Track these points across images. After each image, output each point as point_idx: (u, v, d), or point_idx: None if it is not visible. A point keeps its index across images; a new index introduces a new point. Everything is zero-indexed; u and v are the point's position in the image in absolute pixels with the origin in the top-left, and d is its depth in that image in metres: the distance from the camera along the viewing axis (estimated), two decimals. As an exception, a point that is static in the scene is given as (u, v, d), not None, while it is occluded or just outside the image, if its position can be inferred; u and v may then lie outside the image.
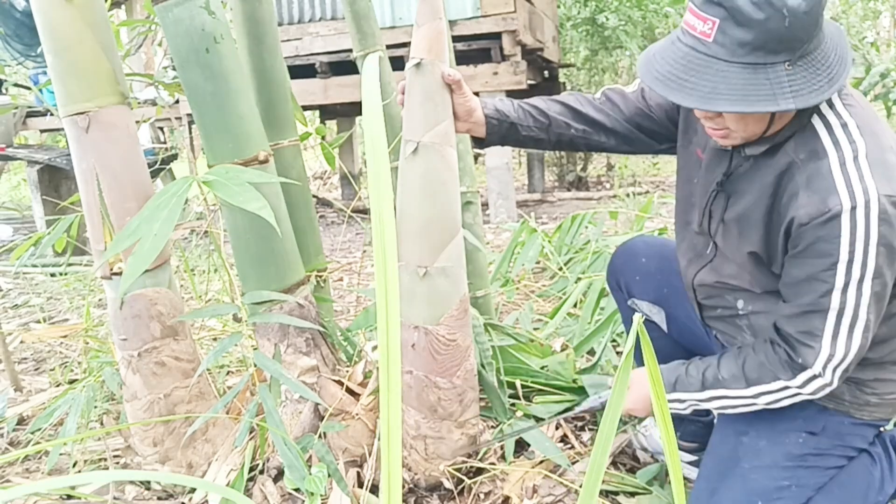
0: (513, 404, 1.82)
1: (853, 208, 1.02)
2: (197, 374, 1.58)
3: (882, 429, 1.30)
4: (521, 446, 1.69)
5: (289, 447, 1.44)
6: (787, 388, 1.15)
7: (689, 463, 1.59)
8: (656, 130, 1.41)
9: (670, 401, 1.28)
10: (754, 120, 1.08)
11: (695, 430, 1.58)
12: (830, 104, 1.10)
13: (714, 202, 1.26)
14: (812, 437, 1.21)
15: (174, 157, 5.50)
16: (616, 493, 1.52)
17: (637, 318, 0.56)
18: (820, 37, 1.01)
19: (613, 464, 1.65)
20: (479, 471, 1.55)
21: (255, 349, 1.63)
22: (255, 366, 1.53)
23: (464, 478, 1.51)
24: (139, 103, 5.24)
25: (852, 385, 1.19)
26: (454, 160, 1.41)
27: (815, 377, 1.12)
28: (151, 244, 1.18)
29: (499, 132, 1.42)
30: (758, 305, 1.25)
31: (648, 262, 1.52)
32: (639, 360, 1.63)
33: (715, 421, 1.39)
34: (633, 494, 1.51)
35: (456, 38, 5.19)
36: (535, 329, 2.34)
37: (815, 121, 1.09)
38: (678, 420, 1.61)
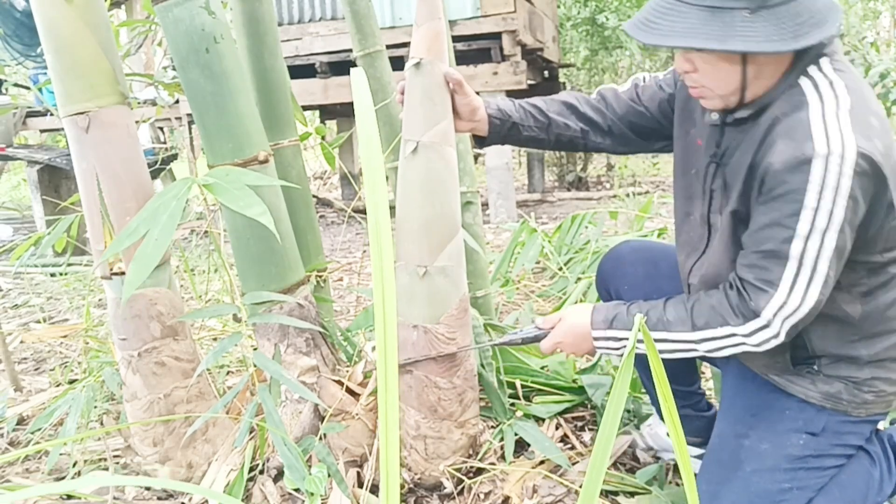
0: (513, 404, 1.82)
1: (827, 155, 1.02)
2: (196, 374, 1.58)
3: (878, 427, 1.30)
4: (521, 446, 1.69)
5: (289, 447, 1.44)
6: (733, 335, 1.13)
7: (694, 457, 1.59)
8: (649, 127, 1.42)
9: (605, 338, 1.26)
10: (724, 73, 1.11)
11: (699, 425, 1.58)
12: (820, 67, 1.10)
13: (713, 180, 1.24)
14: (812, 437, 1.21)
15: (174, 157, 5.50)
16: (616, 493, 1.52)
17: (638, 319, 0.56)
18: None
19: (614, 464, 1.65)
20: (479, 471, 1.55)
21: (255, 349, 1.63)
22: (255, 366, 1.53)
23: (464, 478, 1.51)
24: (139, 103, 5.24)
25: (850, 385, 1.19)
26: (454, 160, 1.41)
27: (764, 327, 1.10)
28: (154, 248, 1.18)
29: (501, 132, 1.43)
30: None
31: (635, 269, 1.51)
32: (638, 363, 1.63)
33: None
34: (632, 494, 1.51)
35: (456, 38, 5.20)
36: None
37: (802, 80, 1.10)
38: (682, 417, 1.61)
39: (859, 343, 1.18)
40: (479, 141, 1.48)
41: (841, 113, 1.04)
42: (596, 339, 1.27)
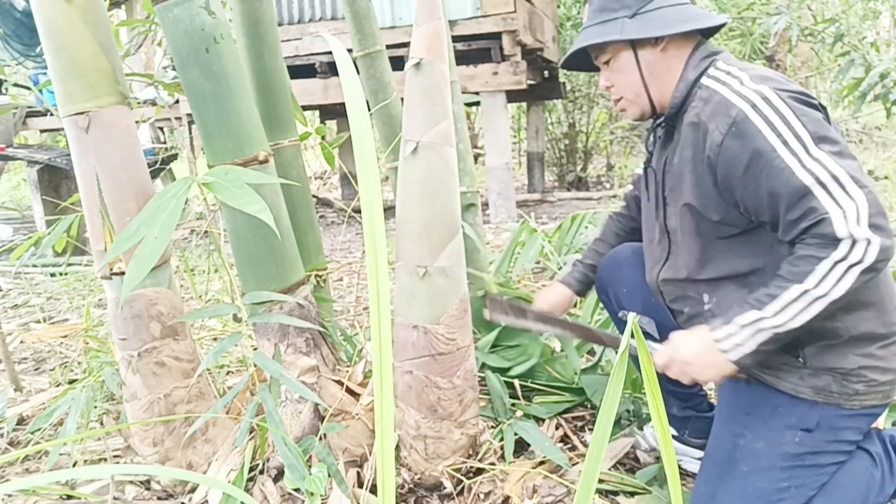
0: (513, 404, 1.82)
1: (753, 106, 1.12)
2: (197, 374, 1.58)
3: (879, 427, 1.29)
4: (521, 446, 1.69)
5: (289, 447, 1.44)
6: (836, 262, 1.08)
7: (698, 459, 1.59)
8: None
9: (727, 335, 1.16)
10: (625, 74, 1.31)
11: (702, 426, 1.58)
12: (717, 67, 1.24)
13: (663, 188, 1.34)
14: (807, 434, 1.20)
15: (174, 157, 5.50)
16: (616, 493, 1.52)
17: (632, 318, 0.56)
18: (657, 3, 1.27)
19: (615, 464, 1.64)
20: (479, 471, 1.55)
21: (255, 349, 1.63)
22: (255, 366, 1.53)
23: (463, 478, 1.51)
24: (139, 103, 5.24)
25: (837, 376, 1.18)
26: (454, 160, 1.41)
27: (854, 242, 1.07)
28: (153, 248, 1.17)
29: (587, 287, 1.68)
30: (721, 295, 1.27)
31: (634, 272, 1.52)
32: (636, 363, 1.63)
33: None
34: (632, 494, 1.51)
35: (456, 38, 5.19)
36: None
37: (705, 80, 1.23)
38: (684, 419, 1.61)
39: (837, 317, 1.15)
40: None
41: (745, 82, 1.17)
42: (724, 348, 1.16)
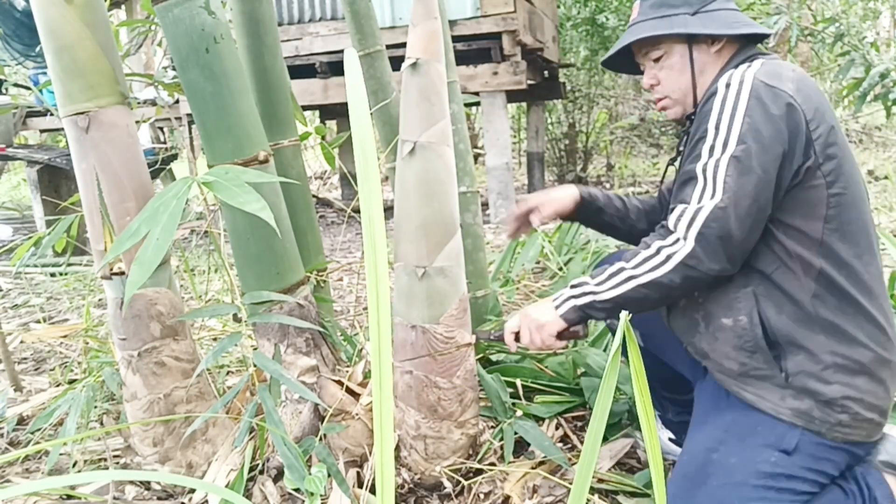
0: (513, 404, 1.82)
1: (727, 85, 1.15)
2: (196, 374, 1.59)
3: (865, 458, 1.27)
4: (521, 446, 1.69)
5: (289, 447, 1.44)
6: (659, 249, 1.16)
7: None
8: None
9: (565, 298, 1.27)
10: (677, 72, 1.30)
11: None
12: (749, 63, 1.22)
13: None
14: (785, 456, 1.15)
15: (174, 157, 5.49)
16: (616, 493, 1.52)
17: (624, 316, 0.56)
18: (717, 4, 1.27)
19: (615, 464, 1.64)
20: (479, 471, 1.55)
21: (255, 349, 1.63)
22: (255, 366, 1.53)
23: (463, 478, 1.51)
24: (139, 103, 5.24)
25: (821, 403, 1.14)
26: (451, 159, 1.41)
27: (677, 239, 1.14)
28: (154, 249, 1.17)
29: (587, 212, 1.58)
30: (712, 288, 1.23)
31: None
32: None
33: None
34: (632, 495, 1.51)
35: (456, 38, 5.19)
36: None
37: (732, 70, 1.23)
38: (680, 423, 1.61)
39: (820, 333, 1.14)
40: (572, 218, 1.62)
41: (749, 69, 1.17)
42: (557, 304, 1.27)
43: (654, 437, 0.57)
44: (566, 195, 1.57)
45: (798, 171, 1.13)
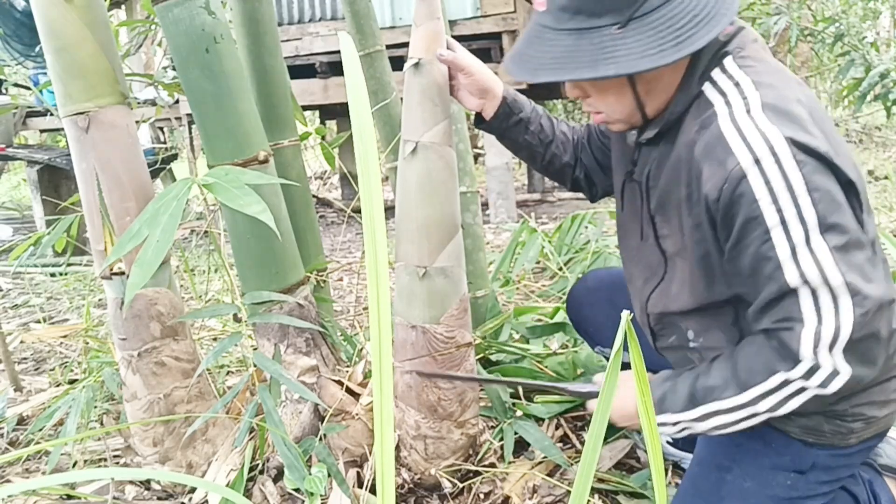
0: (513, 404, 1.82)
1: (756, 161, 0.89)
2: (196, 375, 1.58)
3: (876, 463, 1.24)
4: (521, 446, 1.69)
5: (289, 447, 1.44)
6: (787, 381, 0.96)
7: None
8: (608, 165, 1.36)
9: (660, 423, 1.09)
10: (614, 97, 1.03)
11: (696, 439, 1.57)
12: (724, 69, 0.99)
13: (648, 204, 1.14)
14: (800, 476, 1.08)
15: (174, 157, 5.50)
16: (616, 493, 1.52)
17: (625, 315, 0.56)
18: None
19: (616, 465, 1.64)
20: (479, 471, 1.55)
21: (255, 349, 1.63)
22: (255, 366, 1.53)
23: (463, 478, 1.51)
24: (139, 103, 5.24)
25: (831, 417, 1.05)
26: (453, 160, 1.41)
27: (815, 367, 0.93)
28: (155, 251, 1.17)
29: (505, 121, 1.35)
30: (709, 340, 1.11)
31: (594, 311, 1.49)
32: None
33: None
34: (632, 495, 1.51)
35: (456, 38, 5.18)
36: (535, 329, 2.33)
37: (706, 87, 0.99)
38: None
39: None
40: (479, 121, 1.39)
41: (753, 111, 0.92)
42: (659, 424, 1.10)
43: (656, 437, 0.57)
44: (494, 82, 1.32)
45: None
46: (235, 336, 1.50)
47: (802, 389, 0.96)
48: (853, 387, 0.95)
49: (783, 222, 0.89)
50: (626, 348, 0.59)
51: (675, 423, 1.07)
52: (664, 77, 1.01)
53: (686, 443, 1.60)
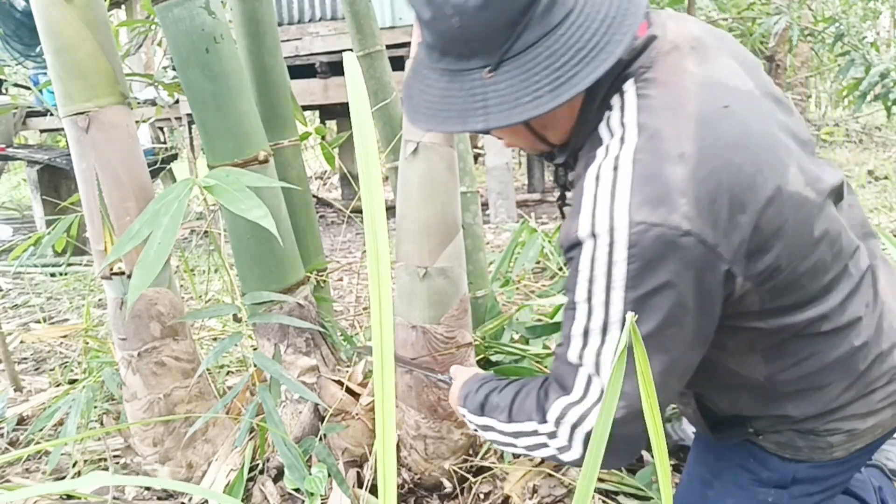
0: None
1: (593, 235, 0.80)
2: (197, 375, 1.58)
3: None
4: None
5: (289, 447, 1.44)
6: (536, 432, 0.92)
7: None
8: None
9: (463, 416, 1.09)
10: (510, 133, 0.95)
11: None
12: (620, 96, 0.86)
13: None
14: (783, 491, 1.02)
15: (174, 157, 5.50)
16: (616, 493, 1.52)
17: (630, 317, 0.55)
18: (537, 32, 0.80)
19: (613, 464, 1.65)
20: (479, 471, 1.55)
21: (255, 349, 1.63)
22: (255, 366, 1.53)
23: (463, 478, 1.51)
24: (139, 103, 5.24)
25: (804, 433, 0.97)
26: (454, 160, 1.41)
27: (553, 433, 0.90)
28: (157, 252, 1.16)
29: None
30: None
31: None
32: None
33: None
34: (633, 496, 1.51)
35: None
36: (535, 329, 2.33)
37: (602, 122, 0.88)
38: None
39: (785, 402, 0.96)
40: None
41: (619, 176, 0.80)
42: (461, 414, 1.11)
43: (661, 437, 0.57)
44: None
45: (726, 299, 0.85)
46: (236, 336, 1.50)
47: (545, 445, 0.93)
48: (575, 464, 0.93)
49: (589, 302, 0.83)
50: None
51: (471, 422, 1.06)
52: (558, 112, 0.86)
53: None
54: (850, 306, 0.91)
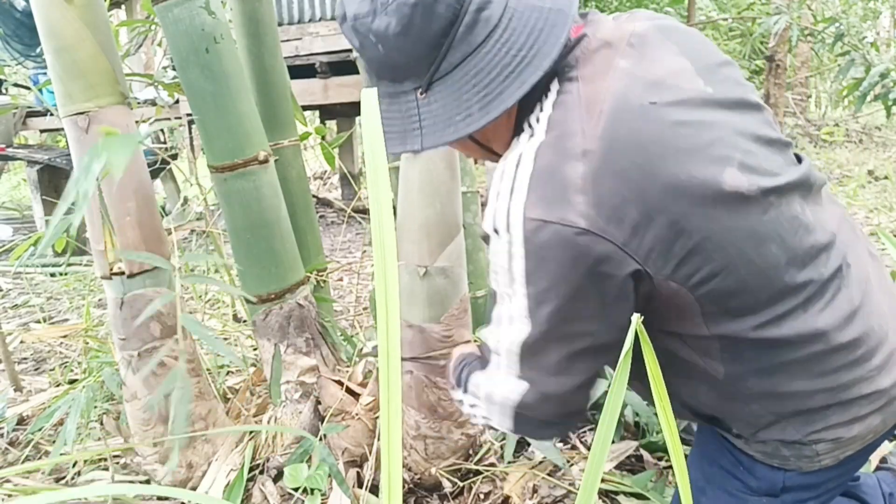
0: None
1: (495, 231, 0.83)
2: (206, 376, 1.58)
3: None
4: (521, 446, 1.69)
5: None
6: (475, 405, 0.99)
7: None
8: None
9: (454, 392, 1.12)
10: (458, 145, 0.98)
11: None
12: (546, 94, 0.86)
13: None
14: (774, 499, 1.00)
15: (174, 157, 5.49)
16: (616, 494, 1.52)
17: (636, 318, 0.55)
18: (462, 51, 0.82)
19: (617, 465, 1.64)
20: (479, 471, 1.55)
21: (255, 349, 1.63)
22: (255, 366, 1.53)
23: (464, 478, 1.51)
24: (139, 103, 5.24)
25: (788, 443, 0.94)
26: (455, 160, 1.42)
27: (464, 402, 1.00)
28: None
29: None
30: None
31: None
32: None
33: None
34: (634, 496, 1.51)
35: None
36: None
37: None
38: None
39: (751, 403, 0.93)
40: None
41: (519, 173, 0.81)
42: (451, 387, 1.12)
43: (675, 436, 0.57)
44: None
45: (646, 298, 0.84)
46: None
47: (485, 416, 0.98)
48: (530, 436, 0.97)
49: (495, 294, 0.87)
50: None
51: (458, 400, 1.08)
52: (496, 123, 0.87)
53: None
54: (810, 313, 0.86)
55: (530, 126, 0.85)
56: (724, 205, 0.80)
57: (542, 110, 0.85)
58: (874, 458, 1.47)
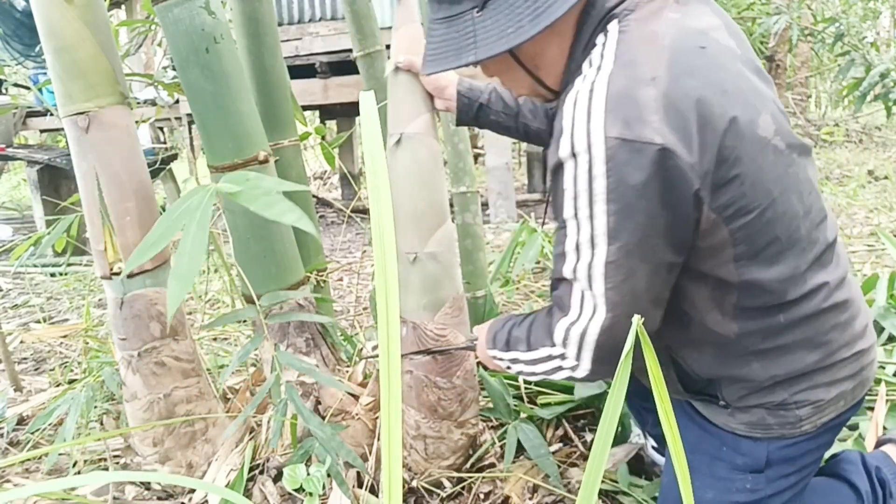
0: (516, 405, 1.81)
1: (573, 155, 0.86)
2: (197, 377, 1.58)
3: (880, 426, 1.24)
4: (522, 447, 1.69)
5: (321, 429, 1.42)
6: (550, 357, 1.02)
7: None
8: None
9: (494, 358, 1.16)
10: (509, 75, 1.04)
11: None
12: (605, 35, 0.93)
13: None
14: (759, 475, 1.04)
15: (174, 156, 5.49)
16: (616, 493, 1.52)
17: (636, 320, 0.55)
18: None
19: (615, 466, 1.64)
20: (479, 471, 1.55)
21: (257, 350, 1.63)
22: (255, 365, 1.53)
23: (463, 479, 1.51)
24: (139, 103, 5.24)
25: (772, 409, 1.01)
26: (437, 149, 1.44)
27: (563, 354, 0.99)
28: (188, 263, 1.04)
29: (470, 111, 1.39)
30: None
31: None
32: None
33: None
34: (633, 495, 1.51)
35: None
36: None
37: (585, 63, 0.94)
38: (661, 434, 1.59)
39: (753, 362, 1.00)
40: (456, 119, 1.43)
41: (594, 97, 0.86)
42: (492, 357, 1.17)
43: (675, 431, 0.57)
44: (446, 80, 1.36)
45: (696, 224, 0.90)
46: (257, 340, 1.50)
47: (560, 368, 1.02)
48: (603, 377, 1.01)
49: (576, 218, 0.89)
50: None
51: (501, 360, 1.14)
52: (548, 50, 0.97)
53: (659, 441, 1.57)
54: (819, 270, 0.97)
55: (593, 62, 0.91)
56: (759, 147, 0.89)
57: (605, 47, 0.91)
58: (869, 442, 1.47)
